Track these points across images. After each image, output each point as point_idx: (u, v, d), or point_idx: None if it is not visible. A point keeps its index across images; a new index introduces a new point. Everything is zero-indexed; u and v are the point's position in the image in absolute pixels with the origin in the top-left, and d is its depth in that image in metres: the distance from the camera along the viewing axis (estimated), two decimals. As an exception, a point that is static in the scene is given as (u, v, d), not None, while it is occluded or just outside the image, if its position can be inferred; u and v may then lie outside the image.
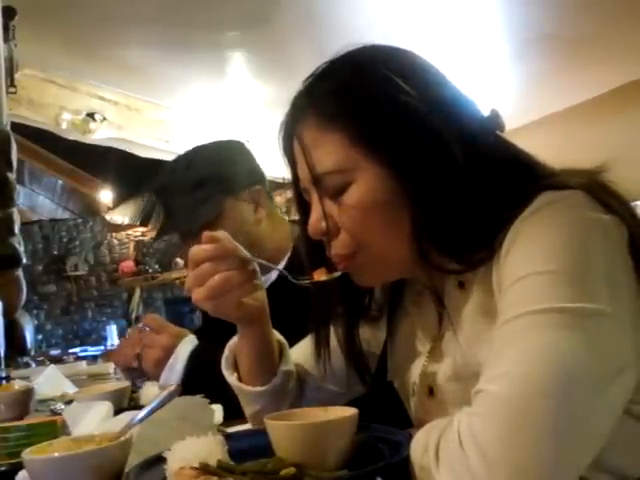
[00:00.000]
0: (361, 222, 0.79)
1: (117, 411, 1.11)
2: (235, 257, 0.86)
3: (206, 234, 0.87)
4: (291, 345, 1.04)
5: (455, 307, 0.81)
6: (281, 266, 1.51)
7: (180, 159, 1.57)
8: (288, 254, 1.53)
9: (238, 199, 1.51)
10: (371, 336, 0.98)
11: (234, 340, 0.99)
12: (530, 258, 0.68)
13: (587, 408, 0.60)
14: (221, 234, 0.87)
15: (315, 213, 0.82)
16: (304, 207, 0.87)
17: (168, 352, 1.35)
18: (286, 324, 1.31)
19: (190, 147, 1.61)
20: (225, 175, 1.51)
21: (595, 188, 0.73)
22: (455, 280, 0.81)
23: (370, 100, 0.78)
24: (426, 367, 0.86)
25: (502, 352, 0.64)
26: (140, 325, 1.54)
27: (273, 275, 1.51)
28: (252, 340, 0.95)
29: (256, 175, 1.57)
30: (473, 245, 0.75)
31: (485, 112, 0.84)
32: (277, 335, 1.00)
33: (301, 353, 1.02)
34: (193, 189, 1.49)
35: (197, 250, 0.85)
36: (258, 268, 0.90)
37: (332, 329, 0.96)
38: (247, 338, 0.95)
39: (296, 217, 0.93)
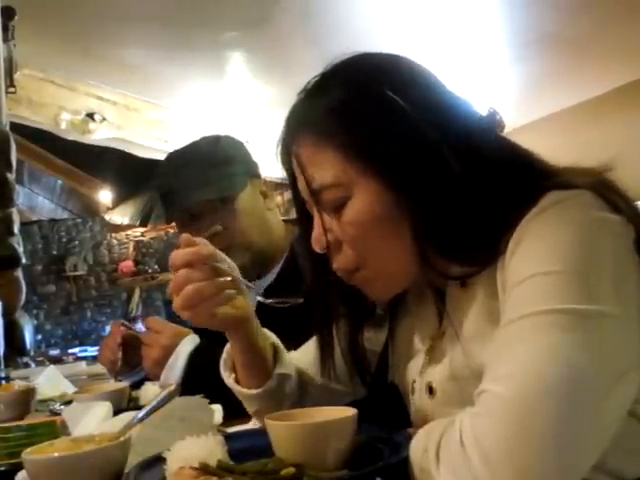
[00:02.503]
0: (362, 237, 0.79)
1: (117, 411, 1.10)
2: (209, 266, 0.86)
3: (184, 236, 0.88)
4: (295, 346, 1.04)
5: (456, 306, 0.80)
6: (279, 266, 1.51)
7: (205, 138, 1.58)
8: (285, 254, 1.53)
9: (254, 185, 1.54)
10: (372, 334, 0.98)
11: None
12: (536, 258, 0.67)
13: (592, 410, 0.59)
14: (198, 240, 0.88)
15: (318, 227, 0.82)
16: (306, 219, 0.87)
17: (168, 351, 1.34)
18: (286, 325, 1.31)
19: None
20: (249, 159, 1.57)
21: (602, 187, 0.72)
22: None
23: (363, 117, 0.78)
24: (426, 366, 0.86)
25: (506, 353, 0.64)
26: (122, 321, 1.55)
27: (270, 278, 1.51)
28: (239, 345, 0.96)
29: (259, 170, 1.60)
30: (477, 249, 0.75)
31: (483, 112, 0.83)
32: (272, 338, 1.01)
33: (306, 354, 1.03)
34: (220, 163, 1.50)
35: (175, 254, 0.87)
36: (239, 274, 0.90)
37: (335, 330, 0.95)
38: (233, 343, 0.97)
39: (294, 216, 0.93)
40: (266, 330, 1.01)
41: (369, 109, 0.78)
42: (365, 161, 0.77)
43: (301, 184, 0.83)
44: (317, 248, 0.83)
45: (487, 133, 0.80)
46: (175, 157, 1.56)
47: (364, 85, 0.79)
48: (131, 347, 1.46)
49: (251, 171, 1.55)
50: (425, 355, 0.86)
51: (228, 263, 0.90)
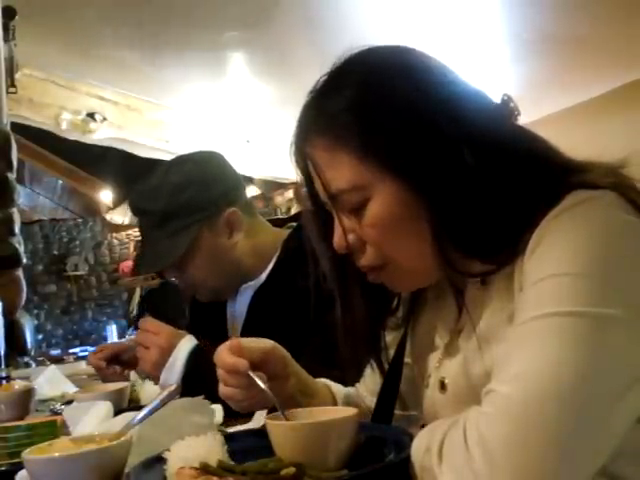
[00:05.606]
0: (383, 237, 0.79)
1: (117, 411, 1.10)
2: (244, 377, 0.90)
3: (234, 343, 0.92)
4: (287, 346, 1.03)
5: (475, 303, 0.80)
6: (268, 270, 1.50)
7: (152, 184, 1.48)
8: (274, 258, 1.50)
9: (212, 228, 1.45)
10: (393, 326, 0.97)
11: None
12: (554, 259, 0.67)
13: (599, 415, 0.59)
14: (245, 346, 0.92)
15: (338, 230, 0.82)
16: (323, 220, 0.86)
17: (166, 353, 1.34)
18: (276, 325, 1.31)
19: (175, 157, 1.60)
20: (197, 205, 1.44)
21: (624, 187, 0.71)
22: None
23: (377, 117, 0.77)
24: (441, 361, 0.85)
25: (516, 353, 0.64)
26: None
27: (263, 277, 1.50)
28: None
29: (232, 193, 1.49)
30: (497, 246, 0.74)
31: (497, 100, 0.82)
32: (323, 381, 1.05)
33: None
34: (165, 221, 1.44)
35: (219, 354, 0.93)
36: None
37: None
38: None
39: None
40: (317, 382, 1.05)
41: (382, 108, 0.77)
42: (381, 162, 0.76)
43: (318, 186, 0.82)
44: (339, 250, 0.82)
45: (502, 122, 0.80)
46: (134, 210, 1.56)
47: (376, 84, 0.78)
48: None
49: (204, 215, 1.44)
50: (442, 351, 0.85)
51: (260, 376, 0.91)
